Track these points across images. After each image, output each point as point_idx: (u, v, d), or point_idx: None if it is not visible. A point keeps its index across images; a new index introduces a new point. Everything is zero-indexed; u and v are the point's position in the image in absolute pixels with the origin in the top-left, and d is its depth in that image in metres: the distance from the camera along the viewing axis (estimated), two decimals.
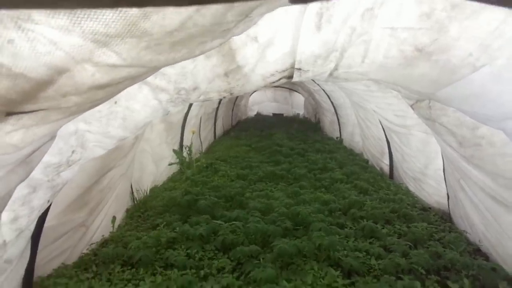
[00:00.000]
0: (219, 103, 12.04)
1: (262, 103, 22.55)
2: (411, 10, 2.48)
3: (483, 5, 2.20)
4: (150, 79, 2.65)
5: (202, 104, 8.98)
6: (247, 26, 1.44)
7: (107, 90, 1.45)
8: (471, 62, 2.63)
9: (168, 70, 2.62)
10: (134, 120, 2.97)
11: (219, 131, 13.24)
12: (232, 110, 16.55)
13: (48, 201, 2.92)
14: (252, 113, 21.99)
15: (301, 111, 20.89)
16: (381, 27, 2.69)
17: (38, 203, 2.77)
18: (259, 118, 20.52)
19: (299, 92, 19.60)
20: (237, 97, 16.40)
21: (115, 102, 2.68)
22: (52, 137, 2.08)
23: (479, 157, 3.87)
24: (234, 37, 2.66)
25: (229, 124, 15.91)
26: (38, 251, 3.25)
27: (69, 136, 2.66)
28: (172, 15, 1.09)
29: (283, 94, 21.95)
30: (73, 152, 2.77)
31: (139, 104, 2.84)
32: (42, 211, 2.94)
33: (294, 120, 17.89)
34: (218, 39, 1.48)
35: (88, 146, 3.01)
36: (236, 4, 1.13)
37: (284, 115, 21.68)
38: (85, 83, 1.28)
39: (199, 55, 1.60)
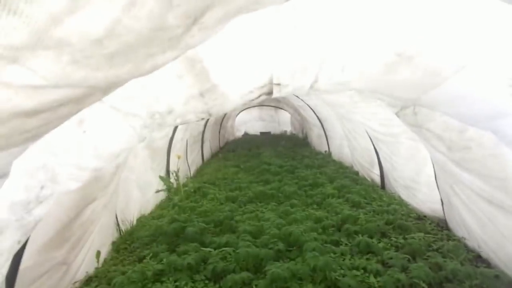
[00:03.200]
0: (205, 125, 11.93)
1: (248, 123, 22.55)
2: (387, 15, 2.40)
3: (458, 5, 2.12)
4: (119, 104, 2.51)
5: (187, 127, 8.85)
6: (206, 35, 1.31)
7: (40, 118, 1.26)
8: (453, 63, 2.55)
9: (138, 93, 2.49)
10: (107, 149, 2.81)
11: (206, 154, 13.08)
12: (219, 131, 16.46)
13: (19, 241, 2.71)
14: (239, 134, 21.97)
15: (288, 128, 20.93)
16: (358, 34, 2.60)
17: (7, 244, 2.56)
18: (247, 138, 20.47)
19: (284, 109, 19.67)
20: (223, 118, 16.35)
21: (84, 131, 2.52)
22: (3, 175, 1.88)
23: (469, 160, 3.78)
24: (206, 55, 2.55)
25: (216, 146, 15.77)
26: None
27: (35, 170, 2.48)
28: (94, 19, 0.93)
29: (269, 112, 22.02)
30: (42, 187, 2.58)
31: (111, 131, 2.69)
32: (13, 252, 2.73)
33: (281, 137, 17.86)
34: (170, 51, 1.33)
35: (61, 180, 2.83)
36: (175, 2, 0.99)
37: (272, 133, 21.70)
38: (2, 109, 1.10)
39: (151, 70, 1.45)
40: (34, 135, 1.52)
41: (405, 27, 2.46)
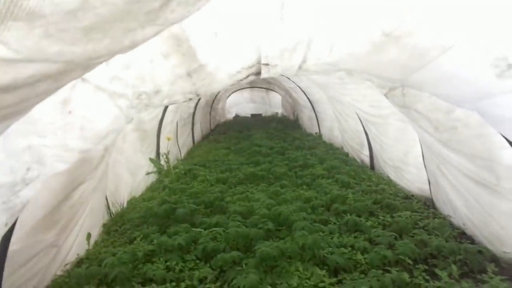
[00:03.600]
0: (196, 107, 11.86)
1: (239, 105, 22.42)
2: None
3: None
4: (105, 84, 2.48)
5: (177, 109, 8.78)
6: (186, 11, 1.28)
7: (17, 94, 1.24)
8: (440, 44, 2.55)
9: (124, 73, 2.46)
10: (94, 130, 2.78)
11: (197, 136, 13.04)
12: (210, 113, 16.37)
13: (6, 224, 2.70)
14: (230, 116, 21.86)
15: (279, 110, 20.85)
16: (346, 13, 2.58)
17: None
18: (238, 120, 20.38)
19: (275, 91, 19.56)
20: (213, 100, 16.24)
21: (69, 112, 2.49)
22: None
23: (456, 140, 3.83)
24: (192, 33, 2.51)
25: (207, 128, 15.71)
26: (5, 276, 3.02)
27: (21, 152, 2.45)
28: None
29: (260, 94, 21.86)
30: (28, 169, 2.56)
31: (97, 112, 2.66)
32: (0, 235, 2.72)
33: (272, 119, 17.80)
34: (149, 26, 1.31)
35: (47, 162, 2.80)
36: None
37: (263, 115, 21.61)
38: None
39: (131, 46, 1.43)
40: (14, 112, 1.49)
41: (393, 6, 2.44)
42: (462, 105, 3.34)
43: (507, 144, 3.19)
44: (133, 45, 1.42)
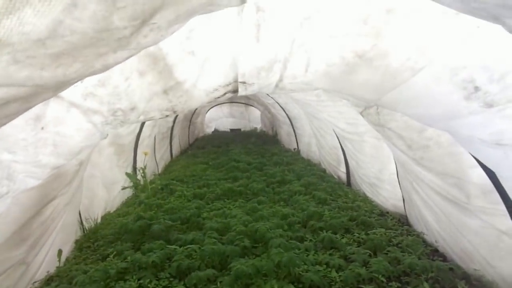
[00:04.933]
0: (174, 121, 11.77)
1: (219, 120, 22.41)
2: (347, 17, 2.46)
3: (415, 8, 2.20)
4: (79, 101, 2.45)
5: (155, 123, 8.71)
6: (159, 35, 1.30)
7: None
8: (411, 66, 2.64)
9: (99, 90, 2.44)
10: (67, 146, 2.74)
11: (175, 150, 12.92)
12: (189, 128, 16.27)
13: None
14: (209, 130, 21.77)
15: (258, 125, 20.92)
16: (321, 35, 2.65)
17: None
18: (217, 134, 20.33)
19: (254, 107, 19.65)
20: (192, 114, 16.18)
21: (42, 128, 2.45)
22: None
23: (428, 158, 3.93)
24: (169, 52, 2.53)
25: (186, 143, 15.60)
26: None
27: None
28: (33, 20, 0.91)
29: (239, 109, 21.92)
30: None
31: (71, 128, 2.62)
32: None
33: (251, 135, 17.83)
34: (121, 50, 1.32)
35: (17, 178, 2.74)
36: (119, 4, 0.98)
37: (242, 130, 21.61)
38: None
39: (103, 69, 1.43)
40: None
41: (366, 29, 2.53)
42: (433, 125, 3.44)
43: (476, 163, 3.30)
44: (104, 68, 1.43)
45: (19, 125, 2.35)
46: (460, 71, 2.45)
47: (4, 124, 1.62)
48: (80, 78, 1.38)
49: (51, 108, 2.42)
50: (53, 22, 0.93)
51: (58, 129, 2.58)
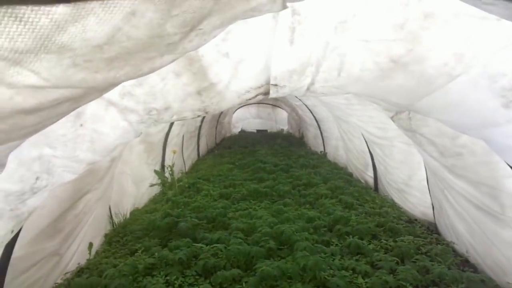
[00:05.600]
0: (202, 121, 11.91)
1: (245, 120, 22.49)
2: (383, 22, 2.44)
3: (455, 13, 2.16)
4: (117, 100, 2.53)
5: (183, 123, 8.85)
6: (203, 40, 1.34)
7: (39, 115, 1.30)
8: (447, 72, 2.59)
9: (136, 90, 2.52)
10: (103, 143, 2.83)
11: (202, 150, 13.08)
12: (216, 127, 16.42)
13: (12, 231, 2.74)
14: (236, 130, 21.87)
15: (285, 127, 20.87)
16: (355, 39, 2.64)
17: (0, 234, 2.58)
18: (243, 135, 20.40)
19: (282, 108, 19.62)
20: (220, 114, 16.32)
21: (81, 125, 2.55)
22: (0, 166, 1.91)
23: (461, 166, 3.83)
24: (204, 54, 2.58)
25: (213, 142, 15.75)
26: (7, 282, 3.04)
27: (31, 162, 2.50)
28: (95, 27, 0.97)
29: (266, 110, 21.93)
30: (37, 178, 2.60)
31: (107, 126, 2.71)
32: (5, 242, 2.75)
33: (278, 136, 17.81)
34: (167, 54, 1.37)
35: (56, 172, 2.85)
36: (174, 13, 1.02)
37: (268, 131, 21.61)
38: (4, 107, 1.14)
39: (149, 72, 1.48)
40: (33, 131, 1.55)
41: (402, 34, 2.49)
42: (467, 132, 3.36)
43: None
44: (151, 71, 1.48)
45: (60, 121, 2.45)
46: (499, 79, 2.39)
47: (54, 122, 1.70)
48: (127, 80, 1.44)
49: (91, 106, 2.52)
50: (113, 29, 0.99)
51: (95, 126, 2.68)
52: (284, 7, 1.39)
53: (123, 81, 1.44)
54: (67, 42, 0.95)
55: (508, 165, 3.19)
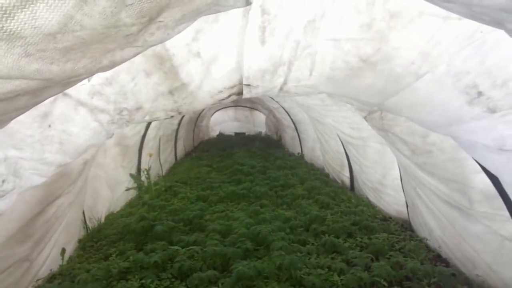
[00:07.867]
0: (179, 124, 11.82)
1: (224, 123, 22.42)
2: (351, 21, 2.48)
3: (419, 12, 2.22)
4: (86, 99, 2.49)
5: (160, 126, 8.76)
6: (166, 34, 1.33)
7: None
8: (414, 71, 2.66)
9: (105, 89, 2.48)
10: (73, 144, 2.77)
11: (180, 153, 12.96)
12: (193, 131, 16.31)
13: None
14: (214, 133, 21.80)
15: (263, 129, 20.93)
16: (325, 39, 2.68)
17: None
18: (221, 138, 20.35)
19: (259, 111, 19.67)
20: (198, 117, 16.23)
21: (49, 126, 2.48)
22: None
23: (431, 163, 3.93)
24: (175, 53, 2.56)
25: (190, 145, 15.63)
26: None
27: None
28: (45, 14, 0.95)
29: (244, 113, 21.93)
30: (3, 181, 2.52)
31: (77, 126, 2.65)
32: None
33: (256, 139, 17.82)
34: (128, 47, 1.35)
35: (24, 174, 2.77)
36: (128, 2, 1.01)
37: (246, 134, 21.61)
38: None
39: (111, 66, 1.46)
40: None
41: (370, 33, 2.55)
42: (436, 130, 3.45)
43: (480, 169, 3.30)
44: (112, 65, 1.46)
45: (27, 122, 2.39)
46: (463, 77, 2.46)
47: (13, 118, 1.65)
48: (88, 74, 1.42)
49: (58, 106, 2.46)
50: (64, 17, 0.97)
51: (64, 127, 2.62)
52: (248, 3, 1.40)
53: (83, 74, 1.42)
54: (16, 29, 0.92)
55: (476, 161, 3.29)
